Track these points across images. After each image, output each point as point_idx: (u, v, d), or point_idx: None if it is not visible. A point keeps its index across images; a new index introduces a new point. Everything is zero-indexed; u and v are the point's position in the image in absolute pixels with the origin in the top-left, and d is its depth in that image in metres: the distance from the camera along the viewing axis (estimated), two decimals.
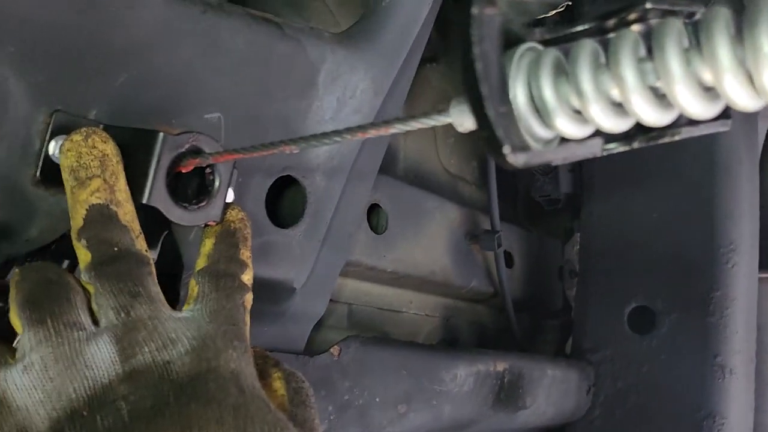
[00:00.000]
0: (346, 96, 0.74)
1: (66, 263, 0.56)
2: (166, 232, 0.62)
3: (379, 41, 0.76)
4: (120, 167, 0.50)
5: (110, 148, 0.50)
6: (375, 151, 0.84)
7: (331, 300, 0.85)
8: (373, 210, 0.99)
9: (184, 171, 0.55)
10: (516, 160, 0.29)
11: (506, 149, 0.29)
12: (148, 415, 0.39)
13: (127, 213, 0.49)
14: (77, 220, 0.48)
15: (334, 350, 0.81)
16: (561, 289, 1.46)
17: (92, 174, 0.48)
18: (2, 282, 0.57)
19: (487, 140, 0.28)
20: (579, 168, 1.36)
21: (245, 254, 0.54)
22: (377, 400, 0.83)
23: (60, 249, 0.56)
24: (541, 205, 1.46)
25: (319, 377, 0.78)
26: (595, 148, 0.33)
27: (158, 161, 0.53)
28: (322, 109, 0.72)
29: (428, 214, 1.09)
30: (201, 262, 0.53)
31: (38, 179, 0.52)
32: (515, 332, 1.26)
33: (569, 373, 1.18)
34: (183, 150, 0.54)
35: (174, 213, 0.54)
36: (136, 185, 0.52)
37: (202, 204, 0.56)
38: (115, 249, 0.47)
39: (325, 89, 0.72)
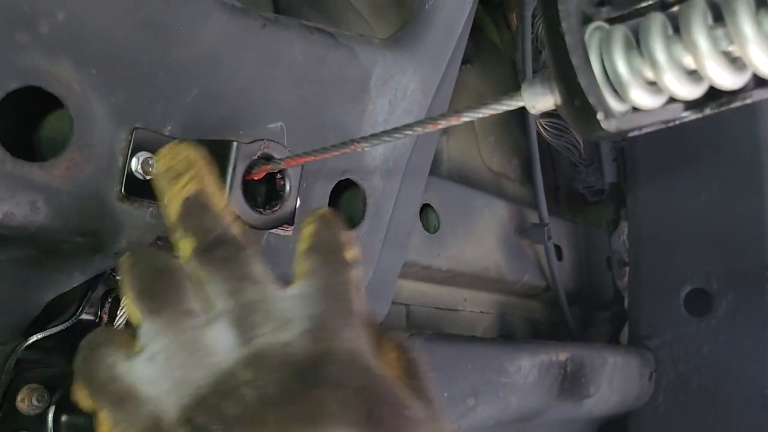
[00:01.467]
0: (397, 98, 0.76)
1: None
2: None
3: (425, 43, 0.78)
4: (208, 168, 0.50)
5: (195, 153, 0.51)
6: (426, 151, 0.86)
7: None
8: (425, 210, 1.00)
9: (256, 178, 0.58)
10: (609, 125, 0.30)
11: (600, 115, 0.30)
12: (274, 402, 0.39)
13: (218, 203, 0.49)
14: (174, 214, 0.48)
15: None
16: (611, 279, 1.45)
17: (182, 171, 0.49)
18: (94, 295, 0.60)
19: (578, 110, 0.30)
20: (622, 157, 1.36)
21: (345, 235, 0.52)
22: (446, 394, 0.84)
23: None
24: (584, 197, 1.46)
25: None
26: (677, 112, 0.35)
27: (234, 168, 0.55)
28: (376, 112, 0.74)
29: (477, 212, 1.11)
30: (304, 243, 0.50)
31: (123, 194, 0.55)
32: (570, 324, 1.27)
33: (629, 359, 1.18)
34: (255, 157, 0.57)
35: (251, 217, 0.57)
36: None
37: (275, 208, 0.59)
38: (213, 236, 0.47)
39: (377, 92, 0.74)
